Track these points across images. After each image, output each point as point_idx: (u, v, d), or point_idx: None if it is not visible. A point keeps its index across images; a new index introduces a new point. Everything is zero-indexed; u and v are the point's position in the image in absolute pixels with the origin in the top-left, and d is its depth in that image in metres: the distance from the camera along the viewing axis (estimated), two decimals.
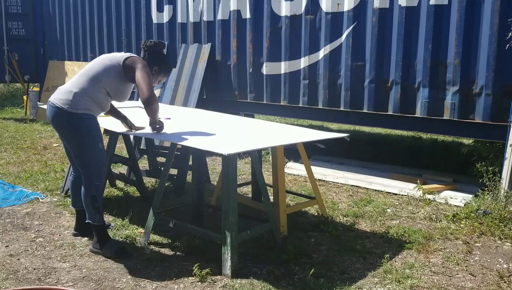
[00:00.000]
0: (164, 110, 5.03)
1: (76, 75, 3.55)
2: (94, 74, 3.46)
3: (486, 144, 5.42)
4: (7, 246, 3.70)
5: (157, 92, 7.43)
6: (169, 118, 4.43)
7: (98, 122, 3.54)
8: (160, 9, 7.67)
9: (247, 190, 5.12)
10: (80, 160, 3.48)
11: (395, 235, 3.98)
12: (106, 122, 4.25)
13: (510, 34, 4.48)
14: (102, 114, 4.39)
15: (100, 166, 3.51)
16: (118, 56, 3.55)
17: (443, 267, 3.43)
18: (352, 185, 5.45)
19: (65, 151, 3.82)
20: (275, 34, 6.28)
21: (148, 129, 3.75)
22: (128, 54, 3.57)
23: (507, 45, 4.53)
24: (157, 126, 3.64)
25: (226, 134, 3.83)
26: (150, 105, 3.45)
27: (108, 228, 3.92)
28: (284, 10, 6.16)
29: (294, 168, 6.13)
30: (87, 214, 3.54)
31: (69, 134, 3.44)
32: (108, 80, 3.48)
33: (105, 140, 5.10)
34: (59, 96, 3.44)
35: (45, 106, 5.09)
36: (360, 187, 5.41)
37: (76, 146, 3.45)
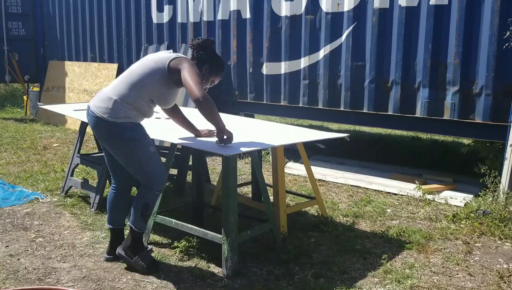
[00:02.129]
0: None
1: (118, 78, 3.25)
2: (137, 79, 3.12)
3: (486, 144, 5.42)
4: (7, 246, 3.70)
5: None
6: (169, 118, 4.42)
7: (142, 127, 3.22)
8: (160, 9, 7.67)
9: (247, 190, 5.12)
10: (135, 170, 3.19)
11: (395, 235, 3.98)
12: None
13: (508, 33, 4.48)
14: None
15: (158, 170, 3.20)
16: (164, 58, 3.18)
17: (443, 267, 3.43)
18: (352, 185, 5.45)
19: (108, 164, 3.43)
20: (275, 34, 6.28)
21: (211, 139, 3.38)
22: (174, 55, 3.20)
23: (505, 45, 4.53)
24: (225, 136, 3.19)
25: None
26: (204, 106, 3.03)
27: (151, 251, 3.53)
28: (284, 10, 6.16)
29: (294, 168, 6.13)
30: (131, 217, 3.24)
31: (114, 144, 3.14)
32: (151, 86, 3.13)
33: None
34: (99, 103, 3.14)
35: (45, 106, 5.10)
36: (360, 187, 5.41)
37: (125, 156, 3.16)
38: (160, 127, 4.04)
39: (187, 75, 3.04)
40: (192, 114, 5.00)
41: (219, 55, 3.38)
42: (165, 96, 3.22)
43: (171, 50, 3.41)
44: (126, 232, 3.47)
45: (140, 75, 3.13)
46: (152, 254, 3.46)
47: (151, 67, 3.14)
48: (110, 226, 3.47)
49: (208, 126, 3.63)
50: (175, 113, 3.58)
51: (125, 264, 3.38)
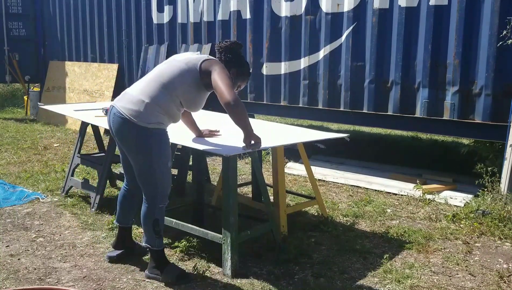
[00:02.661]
0: None
1: (145, 79, 3.09)
2: (168, 81, 2.99)
3: (486, 144, 5.43)
4: (8, 246, 3.71)
5: None
6: None
7: (169, 137, 3.12)
8: (160, 9, 7.68)
9: (247, 190, 5.13)
10: (145, 179, 3.07)
11: (395, 235, 3.98)
12: (106, 122, 4.26)
13: (504, 32, 4.48)
14: (101, 113, 4.40)
15: (166, 187, 3.12)
16: (194, 59, 3.06)
17: (443, 267, 3.43)
18: (352, 185, 5.46)
19: (122, 164, 3.36)
20: (275, 35, 6.29)
21: (238, 144, 3.23)
22: (205, 56, 3.10)
23: (500, 43, 4.53)
24: (252, 141, 3.05)
25: (226, 134, 3.84)
26: (235, 110, 2.90)
27: (145, 254, 3.53)
28: (284, 10, 6.16)
29: (294, 168, 6.14)
30: (145, 237, 3.18)
31: (137, 149, 3.00)
32: (182, 88, 3.00)
33: (105, 140, 5.12)
34: (128, 105, 2.98)
35: (46, 107, 5.10)
36: (360, 187, 5.41)
37: (142, 163, 3.02)
38: None
39: (218, 77, 2.93)
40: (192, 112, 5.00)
41: (246, 60, 3.32)
42: (194, 99, 3.09)
43: (199, 52, 3.27)
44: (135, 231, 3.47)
45: (170, 76, 3.00)
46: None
47: (182, 68, 3.02)
48: (118, 224, 3.48)
49: (209, 126, 3.64)
50: (185, 113, 3.47)
51: (125, 264, 3.39)
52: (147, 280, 3.18)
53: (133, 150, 3.03)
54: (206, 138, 3.63)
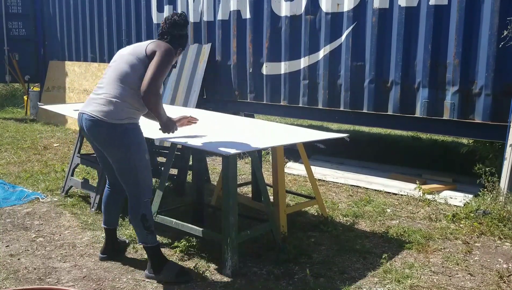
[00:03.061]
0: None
1: (104, 81, 3.16)
2: (125, 76, 3.08)
3: (485, 144, 5.43)
4: (8, 246, 3.71)
5: None
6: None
7: (141, 130, 3.19)
8: (160, 9, 7.68)
9: (247, 190, 5.13)
10: (127, 175, 3.11)
11: (394, 235, 3.98)
12: None
13: (505, 32, 4.48)
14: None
15: (148, 180, 3.16)
16: (139, 47, 3.17)
17: (442, 267, 3.43)
18: (352, 185, 5.46)
19: (102, 166, 3.41)
20: (275, 34, 6.28)
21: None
22: (149, 41, 3.21)
23: (501, 43, 4.53)
24: (165, 126, 3.23)
25: (226, 134, 3.84)
26: (152, 99, 3.02)
27: (128, 245, 3.66)
28: (284, 10, 6.16)
29: (294, 168, 6.14)
30: (138, 236, 3.21)
31: (115, 147, 3.06)
32: (139, 78, 3.05)
33: None
34: (97, 107, 3.06)
35: (45, 107, 5.11)
36: (360, 187, 5.42)
37: (121, 160, 3.08)
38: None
39: (153, 65, 3.02)
40: (193, 113, 5.00)
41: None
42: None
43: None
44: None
45: (125, 72, 3.09)
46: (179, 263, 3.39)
47: (131, 61, 3.11)
48: (106, 227, 3.48)
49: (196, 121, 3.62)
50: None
51: (125, 264, 3.39)
52: (147, 280, 3.18)
53: (111, 149, 3.09)
54: (200, 137, 3.62)
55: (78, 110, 3.37)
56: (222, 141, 3.55)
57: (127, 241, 3.71)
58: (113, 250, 3.50)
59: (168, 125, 3.24)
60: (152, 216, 3.23)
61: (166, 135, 3.35)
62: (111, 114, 3.03)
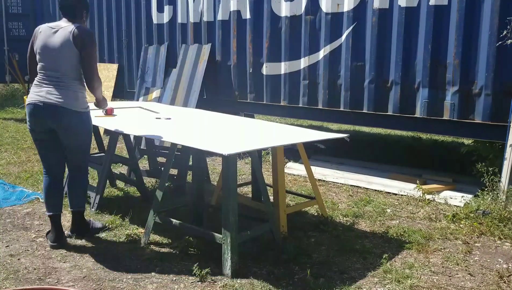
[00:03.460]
0: (164, 110, 5.04)
1: (56, 73, 3.49)
2: (66, 69, 3.48)
3: (485, 144, 5.43)
4: (8, 246, 3.71)
5: (157, 92, 7.45)
6: (169, 118, 4.44)
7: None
8: (160, 9, 7.68)
9: (247, 190, 5.13)
10: (77, 156, 3.67)
11: (394, 235, 3.98)
12: (105, 122, 4.26)
13: (504, 32, 4.48)
14: (101, 113, 4.43)
15: (88, 159, 3.83)
16: (65, 34, 3.48)
17: (442, 267, 3.43)
18: (352, 185, 5.46)
19: (44, 152, 3.68)
20: (275, 35, 6.28)
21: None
22: (68, 26, 3.52)
23: (499, 42, 4.53)
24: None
25: (226, 134, 3.84)
26: (97, 89, 3.67)
27: (107, 230, 3.99)
28: (284, 10, 6.16)
29: (294, 168, 6.14)
30: (74, 202, 3.74)
31: (77, 131, 3.54)
32: (77, 67, 3.52)
33: (105, 140, 5.12)
34: (49, 95, 3.45)
35: None
36: (360, 187, 5.42)
37: (81, 142, 3.60)
38: (160, 127, 4.04)
39: (91, 58, 3.51)
40: (192, 112, 5.01)
41: None
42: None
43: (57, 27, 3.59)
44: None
45: (71, 68, 3.49)
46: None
47: (64, 54, 3.46)
48: (52, 213, 3.68)
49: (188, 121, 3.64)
50: None
51: (125, 264, 3.39)
52: (146, 279, 3.18)
53: (73, 133, 3.54)
54: (200, 137, 3.67)
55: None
56: (222, 141, 3.56)
57: (106, 225, 4.05)
58: (62, 237, 3.70)
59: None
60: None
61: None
62: (74, 102, 3.50)
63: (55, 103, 3.44)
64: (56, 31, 3.53)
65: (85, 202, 3.87)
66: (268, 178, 4.89)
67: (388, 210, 4.64)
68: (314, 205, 4.45)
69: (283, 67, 6.27)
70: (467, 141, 6.69)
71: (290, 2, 6.08)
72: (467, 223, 4.20)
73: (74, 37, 3.45)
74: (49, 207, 3.68)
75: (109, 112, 4.52)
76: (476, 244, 3.84)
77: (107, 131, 6.22)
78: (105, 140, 5.14)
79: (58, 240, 3.66)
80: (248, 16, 6.52)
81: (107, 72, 8.77)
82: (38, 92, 3.49)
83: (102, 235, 3.93)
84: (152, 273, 3.29)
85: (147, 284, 3.14)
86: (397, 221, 4.35)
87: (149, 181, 5.41)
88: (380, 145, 7.62)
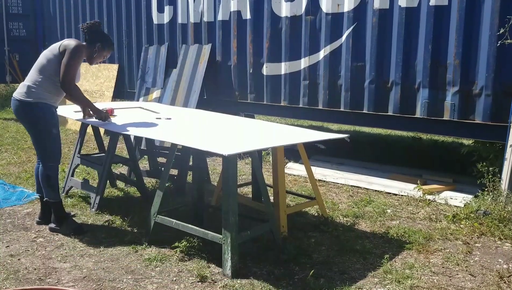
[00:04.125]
0: (165, 110, 5.04)
1: (31, 71, 3.92)
2: (41, 67, 3.84)
3: (486, 145, 5.43)
4: (8, 246, 3.71)
5: (157, 92, 7.45)
6: (170, 118, 4.44)
7: (53, 110, 3.91)
8: (160, 9, 7.68)
9: (247, 190, 5.13)
10: (37, 145, 3.90)
11: (395, 235, 3.98)
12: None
13: (501, 30, 4.48)
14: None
15: (54, 149, 3.93)
16: (56, 45, 3.90)
17: (443, 267, 3.43)
18: (352, 186, 5.46)
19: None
20: (275, 35, 6.28)
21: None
22: (63, 40, 3.93)
23: (499, 42, 4.53)
24: (95, 115, 4.16)
25: (226, 134, 3.84)
26: (68, 92, 3.89)
27: (74, 217, 4.23)
28: (284, 10, 6.16)
29: (294, 169, 6.14)
30: (44, 192, 3.95)
31: (28, 122, 3.86)
32: (53, 70, 3.82)
33: (105, 140, 5.12)
34: (18, 90, 3.88)
35: None
36: (360, 187, 5.41)
37: (34, 133, 3.86)
38: (160, 127, 4.04)
39: (65, 58, 3.78)
40: (192, 113, 5.01)
41: (107, 34, 4.40)
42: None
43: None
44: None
45: (42, 63, 3.85)
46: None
47: (48, 55, 3.86)
48: (39, 195, 4.13)
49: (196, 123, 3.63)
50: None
51: (125, 264, 3.39)
52: (146, 280, 3.18)
53: (27, 123, 3.88)
54: (200, 137, 3.66)
55: (78, 111, 3.88)
56: (222, 141, 3.56)
57: (71, 213, 4.33)
58: (48, 217, 4.07)
59: (84, 110, 4.22)
60: (56, 177, 3.98)
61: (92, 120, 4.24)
62: (23, 94, 3.80)
63: (14, 96, 3.88)
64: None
65: (52, 194, 3.93)
66: (268, 178, 4.89)
67: (389, 211, 4.64)
68: (314, 205, 4.44)
69: (284, 68, 6.27)
70: (467, 142, 6.69)
71: (291, 3, 6.08)
72: (467, 223, 4.20)
73: (60, 44, 3.89)
74: (37, 188, 4.19)
75: (109, 113, 4.52)
76: (477, 245, 3.83)
77: (107, 131, 6.22)
78: (105, 140, 5.14)
79: (43, 217, 4.14)
80: (248, 16, 6.53)
81: (107, 72, 8.78)
82: None
83: (103, 235, 3.93)
84: (152, 273, 3.29)
85: (147, 284, 3.14)
86: (398, 222, 4.35)
87: (149, 181, 5.41)
88: (381, 146, 7.62)
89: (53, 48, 3.91)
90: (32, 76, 3.88)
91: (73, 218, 4.14)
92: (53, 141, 3.92)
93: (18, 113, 3.88)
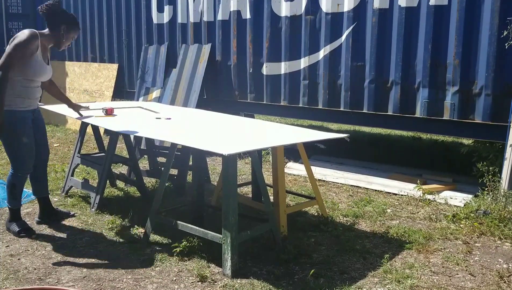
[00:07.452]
0: (164, 110, 5.04)
1: None
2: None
3: (486, 144, 5.43)
4: (8, 246, 3.71)
5: (157, 92, 7.45)
6: (169, 118, 4.44)
7: (24, 115, 3.70)
8: (160, 9, 7.68)
9: (247, 190, 5.13)
10: (8, 155, 3.79)
11: (395, 235, 3.98)
12: (105, 122, 4.26)
13: (505, 32, 4.48)
14: (101, 113, 4.43)
15: (23, 159, 3.76)
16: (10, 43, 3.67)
17: (443, 267, 3.43)
18: (352, 185, 5.46)
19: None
20: (275, 35, 6.28)
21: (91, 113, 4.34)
22: (17, 34, 3.71)
23: (506, 43, 4.53)
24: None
25: (226, 134, 3.84)
26: None
27: (73, 216, 4.31)
28: (284, 10, 6.16)
29: (294, 168, 6.14)
30: (7, 198, 3.91)
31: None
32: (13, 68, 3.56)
33: (105, 140, 5.12)
34: None
35: (45, 106, 5.10)
36: (360, 187, 5.41)
37: (3, 142, 3.72)
38: (160, 127, 4.04)
39: (6, 50, 3.61)
40: (192, 112, 5.01)
41: (70, 13, 4.00)
42: (30, 70, 3.64)
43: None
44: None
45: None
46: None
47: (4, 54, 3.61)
48: (36, 196, 4.18)
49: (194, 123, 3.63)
50: (51, 88, 4.18)
51: (125, 264, 3.39)
52: (146, 279, 3.18)
53: None
54: (200, 137, 3.65)
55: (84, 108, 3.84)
56: (222, 141, 3.56)
57: (71, 213, 4.36)
58: (48, 217, 4.18)
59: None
60: (21, 187, 3.89)
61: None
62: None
63: None
64: None
65: (13, 202, 3.89)
66: (268, 178, 4.89)
67: (388, 210, 4.64)
68: (314, 205, 4.44)
69: (283, 67, 6.27)
70: (467, 141, 6.69)
71: (290, 2, 6.08)
72: (467, 223, 4.20)
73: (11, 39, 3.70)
74: (32, 191, 4.23)
75: (109, 112, 4.52)
76: (476, 244, 3.84)
77: (107, 131, 6.22)
78: (105, 140, 5.14)
79: (41, 217, 4.20)
80: (248, 16, 6.53)
81: (107, 72, 8.78)
82: None
83: (103, 234, 3.93)
84: (152, 273, 3.29)
85: (147, 284, 3.14)
86: (397, 221, 4.35)
87: (149, 181, 5.41)
88: (380, 145, 7.62)
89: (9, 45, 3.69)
90: None
91: (23, 222, 4.03)
92: (24, 150, 3.74)
93: None
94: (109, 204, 4.60)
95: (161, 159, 5.55)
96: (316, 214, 4.47)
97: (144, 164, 5.90)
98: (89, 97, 8.90)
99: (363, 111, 5.66)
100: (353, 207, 4.71)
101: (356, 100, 5.68)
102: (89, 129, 5.17)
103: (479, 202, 4.59)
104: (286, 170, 5.91)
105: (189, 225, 3.57)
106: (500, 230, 4.02)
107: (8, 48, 3.59)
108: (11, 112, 3.61)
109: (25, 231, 3.91)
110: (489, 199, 4.46)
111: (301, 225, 4.19)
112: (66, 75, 9.61)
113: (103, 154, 4.95)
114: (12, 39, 3.69)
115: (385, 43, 5.40)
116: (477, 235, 3.99)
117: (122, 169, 5.92)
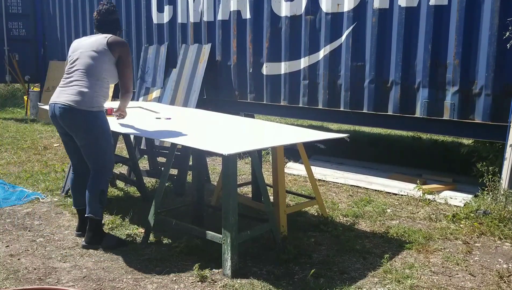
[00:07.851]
0: (164, 110, 5.04)
1: (73, 74, 3.61)
2: (94, 71, 3.57)
3: (485, 144, 5.43)
4: (8, 246, 3.71)
5: (157, 92, 7.45)
6: (169, 118, 4.44)
7: (106, 117, 3.71)
8: (160, 9, 7.68)
9: (247, 190, 5.13)
10: (94, 155, 3.60)
11: (395, 235, 3.98)
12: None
13: (508, 33, 4.48)
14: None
15: (112, 160, 3.72)
16: (94, 42, 3.65)
17: (443, 267, 3.43)
18: (352, 185, 5.46)
19: (67, 151, 3.85)
20: (275, 35, 6.28)
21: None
22: (107, 36, 3.67)
23: (508, 44, 4.53)
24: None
25: (226, 134, 3.84)
26: (130, 95, 3.84)
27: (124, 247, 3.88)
28: (284, 10, 6.16)
29: (294, 168, 6.14)
30: (89, 208, 3.59)
31: (85, 130, 3.53)
32: (106, 71, 3.63)
33: None
34: (70, 97, 3.51)
35: (45, 107, 5.11)
36: (360, 187, 5.41)
37: (91, 142, 3.56)
38: (160, 127, 4.04)
39: (126, 68, 3.69)
40: (192, 112, 5.01)
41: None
42: (115, 73, 3.72)
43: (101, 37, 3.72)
44: None
45: (95, 67, 3.58)
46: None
47: (95, 56, 3.59)
48: (77, 208, 3.87)
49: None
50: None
51: (125, 264, 3.39)
52: (146, 279, 3.18)
53: (81, 132, 3.55)
54: (200, 137, 3.68)
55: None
56: (222, 141, 3.56)
57: (115, 242, 3.85)
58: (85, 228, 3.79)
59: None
60: (107, 193, 3.72)
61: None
62: (83, 102, 3.49)
63: (62, 103, 3.52)
64: (90, 37, 3.79)
65: (99, 211, 3.61)
66: (268, 178, 4.89)
67: (388, 210, 4.64)
68: (314, 205, 4.44)
69: (283, 67, 6.27)
70: (467, 141, 6.69)
71: (290, 2, 6.08)
72: (467, 223, 4.20)
73: (108, 42, 3.63)
74: (73, 202, 3.92)
75: (109, 112, 4.51)
76: (476, 244, 3.84)
77: None
78: None
79: (81, 230, 3.85)
80: (248, 16, 6.52)
81: None
82: (54, 93, 3.67)
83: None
84: (152, 273, 3.29)
85: (147, 284, 3.14)
86: (397, 221, 4.35)
87: (149, 181, 5.41)
88: (380, 145, 7.62)
89: (94, 45, 3.62)
90: (86, 81, 3.55)
91: (111, 235, 3.80)
92: (109, 151, 3.67)
93: (71, 121, 3.52)
94: (109, 204, 4.60)
95: (161, 159, 5.55)
96: (316, 214, 4.47)
97: (144, 164, 5.90)
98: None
99: (363, 111, 5.66)
100: (353, 207, 4.71)
101: (356, 100, 5.68)
102: None
103: (479, 202, 4.59)
104: (286, 170, 5.91)
105: (189, 225, 3.57)
106: (500, 230, 4.02)
107: (127, 62, 3.68)
108: (102, 112, 3.63)
109: (123, 243, 3.70)
110: (489, 199, 4.46)
111: (301, 225, 4.19)
112: None
113: None
114: (107, 43, 3.62)
115: (385, 43, 5.40)
116: (477, 235, 3.99)
117: (122, 169, 5.92)
